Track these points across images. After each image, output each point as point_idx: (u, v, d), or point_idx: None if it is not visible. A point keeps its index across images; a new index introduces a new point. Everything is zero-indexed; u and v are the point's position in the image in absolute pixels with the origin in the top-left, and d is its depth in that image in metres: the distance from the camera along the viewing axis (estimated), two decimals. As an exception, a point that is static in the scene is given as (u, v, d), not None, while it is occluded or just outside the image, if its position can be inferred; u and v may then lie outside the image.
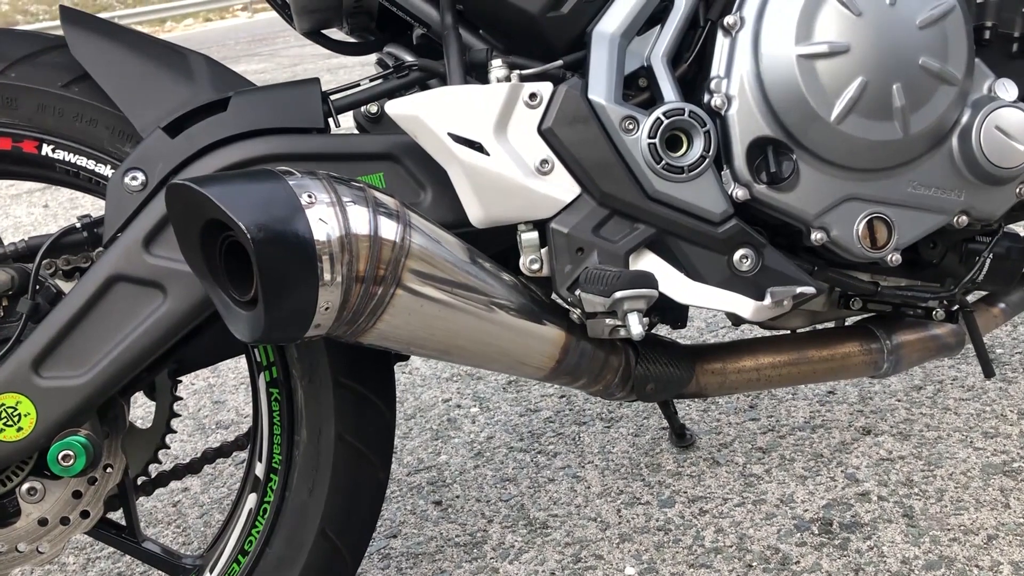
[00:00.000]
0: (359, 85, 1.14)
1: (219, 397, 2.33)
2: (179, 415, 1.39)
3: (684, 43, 1.13)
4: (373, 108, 1.18)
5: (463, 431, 1.97)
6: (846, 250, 1.14)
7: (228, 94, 1.06)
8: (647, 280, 0.96)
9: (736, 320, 1.39)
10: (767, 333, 1.39)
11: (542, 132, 1.07)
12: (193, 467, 1.39)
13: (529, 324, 1.08)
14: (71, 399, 1.05)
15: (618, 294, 0.94)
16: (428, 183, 1.11)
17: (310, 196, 0.89)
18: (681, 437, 1.78)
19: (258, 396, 1.21)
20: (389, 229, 0.94)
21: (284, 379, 1.17)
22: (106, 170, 1.11)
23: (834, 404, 1.87)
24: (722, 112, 1.10)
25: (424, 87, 1.18)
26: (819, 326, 1.38)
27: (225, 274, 0.92)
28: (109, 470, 1.15)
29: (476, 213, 1.07)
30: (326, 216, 0.90)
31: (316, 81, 1.09)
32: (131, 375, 1.07)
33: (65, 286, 1.13)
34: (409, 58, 1.22)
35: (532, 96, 1.06)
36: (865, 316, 1.37)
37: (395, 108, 1.05)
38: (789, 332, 1.39)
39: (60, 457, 1.05)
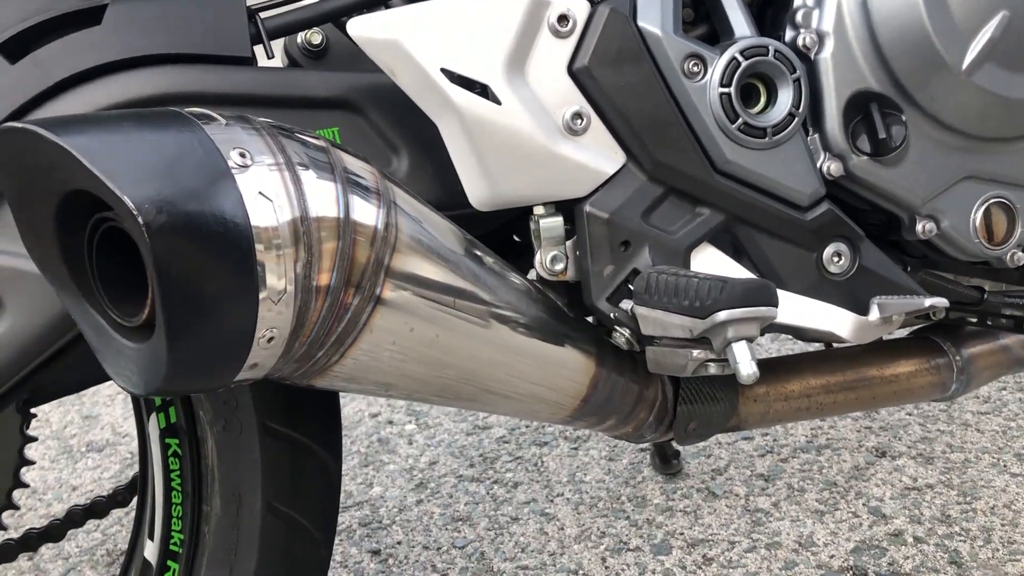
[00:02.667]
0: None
1: (90, 411, 1.91)
2: (31, 462, 1.02)
3: (751, -40, 0.83)
4: (316, 37, 0.83)
5: (399, 455, 1.63)
6: (957, 245, 0.85)
7: (103, 1, 0.69)
8: (766, 294, 0.65)
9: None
10: (803, 348, 1.11)
11: (574, 72, 0.74)
12: (52, 534, 1.02)
13: (553, 350, 0.76)
14: None
15: (723, 315, 0.63)
16: (403, 144, 0.78)
17: (243, 155, 0.54)
18: (667, 463, 1.48)
19: (148, 448, 0.85)
20: (366, 212, 0.60)
21: (187, 425, 0.81)
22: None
23: (836, 419, 1.61)
24: (811, 55, 0.80)
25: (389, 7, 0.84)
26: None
27: (99, 282, 0.56)
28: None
29: (478, 189, 0.74)
30: (270, 187, 0.55)
31: (238, -11, 0.73)
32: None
33: None
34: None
35: (562, 19, 0.73)
36: (922, 325, 1.10)
37: (363, 29, 0.70)
38: (827, 348, 1.11)
39: None
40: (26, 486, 1.03)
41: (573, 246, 0.77)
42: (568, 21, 0.73)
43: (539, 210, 0.76)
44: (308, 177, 0.57)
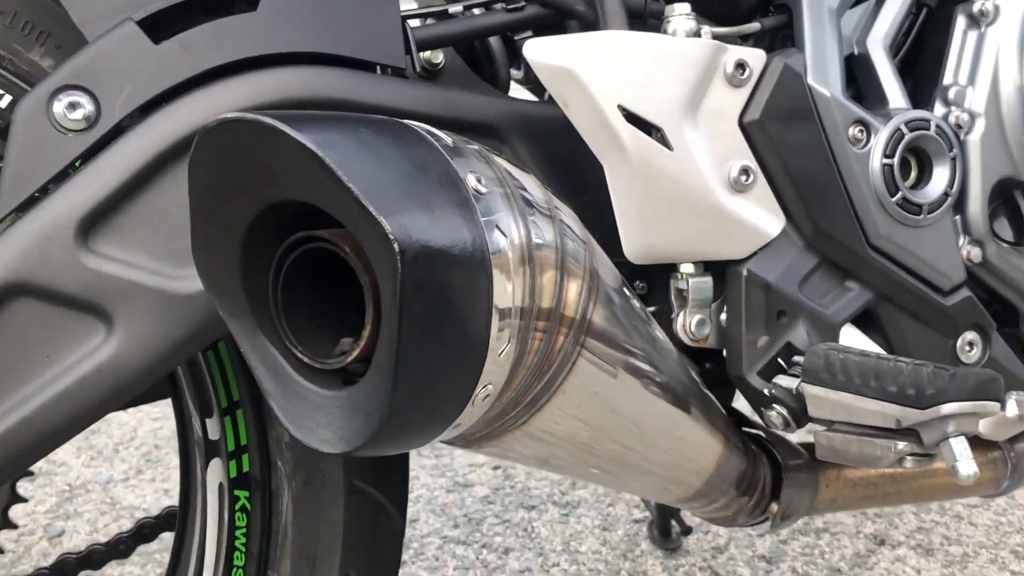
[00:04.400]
0: (447, 13, 0.71)
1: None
2: (24, 500, 0.89)
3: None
4: (438, 56, 0.76)
5: (376, 508, 1.51)
6: (1069, 344, 0.83)
7: (257, -15, 0.60)
8: (996, 388, 0.60)
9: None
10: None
11: (744, 125, 0.68)
12: (44, 585, 0.88)
13: (694, 424, 0.69)
14: None
15: (950, 407, 0.57)
16: (543, 180, 0.70)
17: (479, 180, 0.47)
18: (667, 537, 1.42)
19: (196, 493, 0.73)
20: (576, 258, 0.53)
21: (262, 477, 0.70)
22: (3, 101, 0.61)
23: (829, 502, 1.57)
24: (961, 135, 0.77)
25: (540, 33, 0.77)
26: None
27: (283, 314, 0.47)
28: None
29: (636, 239, 0.67)
30: (503, 221, 0.47)
31: (392, -8, 0.65)
32: (29, 461, 0.58)
33: None
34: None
35: (739, 67, 0.68)
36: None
37: (539, 53, 0.63)
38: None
39: None
40: (15, 527, 0.89)
41: (717, 310, 0.71)
42: (744, 70, 0.68)
43: (687, 268, 0.70)
44: (531, 214, 0.50)
